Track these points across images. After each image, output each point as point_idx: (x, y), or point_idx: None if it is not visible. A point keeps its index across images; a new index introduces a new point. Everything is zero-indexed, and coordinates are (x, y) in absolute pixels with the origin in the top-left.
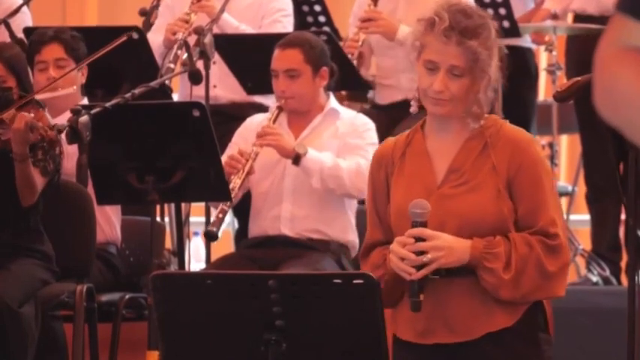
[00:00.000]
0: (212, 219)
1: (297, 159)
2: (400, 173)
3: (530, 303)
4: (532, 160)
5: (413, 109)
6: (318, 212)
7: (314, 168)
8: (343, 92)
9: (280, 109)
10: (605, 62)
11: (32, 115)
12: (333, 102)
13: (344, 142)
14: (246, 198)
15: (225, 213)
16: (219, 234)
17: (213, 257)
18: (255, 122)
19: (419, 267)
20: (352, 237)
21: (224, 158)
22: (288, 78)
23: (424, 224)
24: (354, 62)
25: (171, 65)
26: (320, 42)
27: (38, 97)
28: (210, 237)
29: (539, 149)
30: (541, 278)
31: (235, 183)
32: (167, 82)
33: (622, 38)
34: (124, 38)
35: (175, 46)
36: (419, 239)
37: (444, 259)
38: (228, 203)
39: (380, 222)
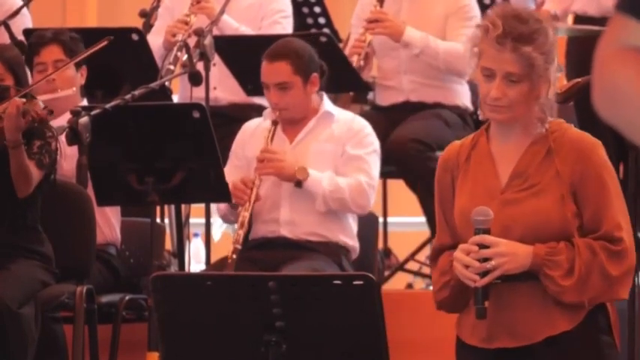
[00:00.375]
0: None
1: (298, 184)
2: (465, 177)
3: (592, 306)
4: (597, 165)
5: (482, 117)
6: (316, 216)
7: (316, 192)
8: (351, 93)
9: (276, 123)
10: (605, 62)
11: (24, 100)
12: (327, 104)
13: (342, 149)
14: None
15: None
16: (219, 235)
17: (214, 258)
18: (251, 127)
19: (483, 274)
20: (352, 240)
21: (228, 176)
22: (279, 90)
23: (487, 231)
24: (361, 63)
25: (171, 67)
26: (307, 48)
27: (39, 98)
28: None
29: (604, 153)
30: (605, 283)
31: (244, 217)
32: (167, 83)
33: (622, 38)
34: (104, 43)
35: (175, 48)
36: (482, 246)
37: (508, 266)
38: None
39: (447, 226)
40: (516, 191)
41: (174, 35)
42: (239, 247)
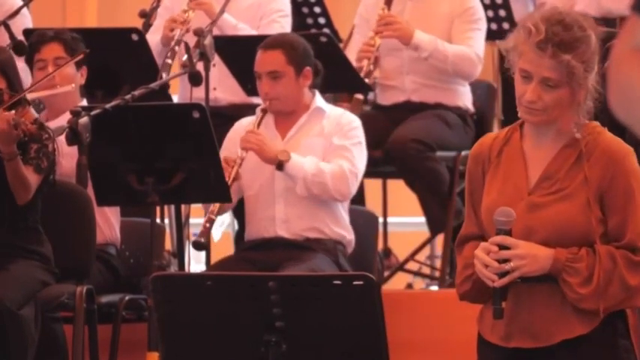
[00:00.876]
0: (199, 229)
1: (279, 166)
2: (495, 173)
3: (608, 313)
4: (626, 172)
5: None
6: (311, 211)
7: (297, 175)
8: (361, 97)
9: (265, 111)
10: (620, 62)
11: (14, 112)
12: (318, 101)
13: (329, 142)
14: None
15: (212, 222)
16: (219, 235)
17: (214, 259)
18: (243, 125)
19: (502, 274)
20: (347, 233)
21: None
22: (271, 80)
23: (508, 232)
24: (371, 67)
25: (169, 61)
26: (302, 42)
27: (38, 95)
28: (198, 247)
29: (635, 161)
30: (623, 293)
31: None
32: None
33: (637, 38)
34: (80, 56)
35: (173, 42)
36: (502, 247)
37: (527, 268)
38: (215, 211)
39: (475, 216)
40: (544, 194)
41: (172, 30)
42: (214, 217)
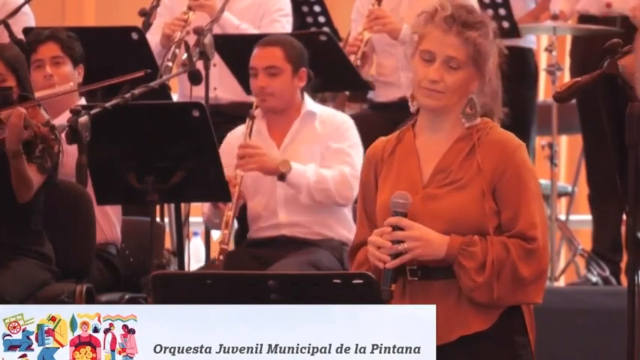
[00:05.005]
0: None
1: (282, 176)
2: (389, 172)
3: (505, 307)
4: (518, 165)
5: (413, 108)
6: (314, 217)
7: (300, 184)
8: (347, 93)
9: (253, 118)
10: None
11: (26, 111)
12: (309, 104)
13: (326, 145)
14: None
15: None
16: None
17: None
18: (236, 136)
19: (394, 256)
20: (351, 234)
21: None
22: (267, 75)
23: (404, 215)
24: (358, 62)
25: (169, 64)
26: (299, 44)
27: (38, 95)
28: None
29: (526, 155)
30: (515, 284)
31: (228, 216)
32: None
33: None
34: (140, 73)
35: (173, 45)
36: (397, 229)
37: (420, 250)
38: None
39: (368, 222)
40: (438, 186)
41: (172, 33)
42: (226, 247)
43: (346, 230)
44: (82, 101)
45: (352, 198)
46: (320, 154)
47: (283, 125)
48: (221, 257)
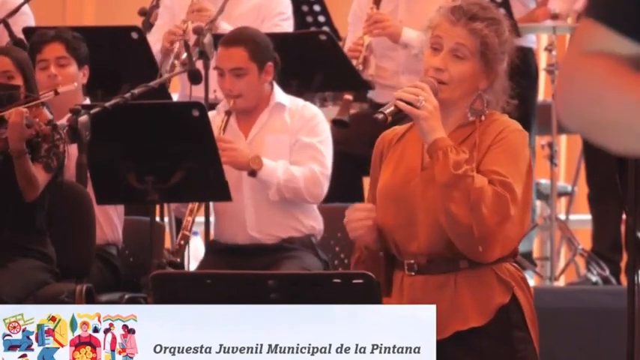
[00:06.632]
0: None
1: (252, 173)
2: (392, 156)
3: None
4: (511, 142)
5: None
6: (281, 212)
7: (270, 181)
8: (351, 98)
9: (229, 113)
10: (573, 66)
11: (30, 111)
12: (278, 95)
13: (296, 138)
14: None
15: (187, 239)
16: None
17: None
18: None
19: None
20: (316, 223)
21: None
22: (234, 77)
23: (435, 90)
24: (360, 67)
25: (175, 61)
26: (263, 36)
27: (41, 95)
28: (175, 267)
29: (526, 140)
30: (472, 212)
31: (193, 203)
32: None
33: (590, 43)
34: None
35: (172, 55)
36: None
37: (426, 116)
38: (189, 227)
39: (373, 203)
40: None
41: (172, 43)
42: (187, 233)
43: (312, 220)
44: (87, 101)
45: (322, 196)
46: (289, 145)
47: (252, 116)
48: (182, 242)
